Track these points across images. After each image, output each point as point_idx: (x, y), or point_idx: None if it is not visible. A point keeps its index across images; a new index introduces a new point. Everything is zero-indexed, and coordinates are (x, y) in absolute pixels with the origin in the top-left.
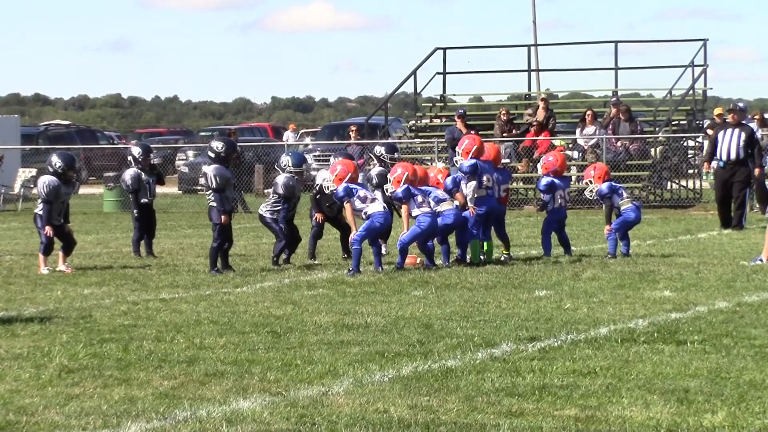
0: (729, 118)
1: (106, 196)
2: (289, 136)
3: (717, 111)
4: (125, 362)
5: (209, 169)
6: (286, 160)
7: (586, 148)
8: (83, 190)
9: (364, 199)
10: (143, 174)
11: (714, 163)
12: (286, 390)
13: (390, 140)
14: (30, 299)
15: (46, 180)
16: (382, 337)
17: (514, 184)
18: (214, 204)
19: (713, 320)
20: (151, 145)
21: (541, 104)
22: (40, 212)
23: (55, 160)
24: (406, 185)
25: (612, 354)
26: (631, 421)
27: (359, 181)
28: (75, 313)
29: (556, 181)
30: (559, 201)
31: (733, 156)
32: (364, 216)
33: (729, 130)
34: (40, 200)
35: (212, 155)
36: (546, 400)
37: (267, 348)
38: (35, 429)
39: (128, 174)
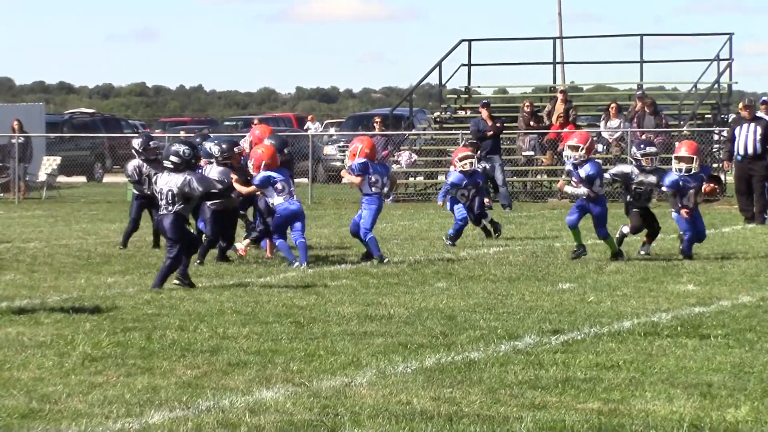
0: (744, 114)
1: (130, 185)
2: (310, 127)
3: (742, 105)
4: (148, 351)
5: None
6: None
7: (610, 141)
8: (107, 178)
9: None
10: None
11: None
12: (309, 380)
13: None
14: (54, 287)
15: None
16: (405, 328)
17: (538, 177)
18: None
19: (737, 314)
20: (177, 135)
21: (560, 96)
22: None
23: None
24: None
25: (635, 347)
26: (654, 415)
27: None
28: (98, 302)
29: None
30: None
31: (750, 150)
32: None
33: (745, 125)
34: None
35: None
36: (569, 393)
37: (290, 338)
38: (58, 417)
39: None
